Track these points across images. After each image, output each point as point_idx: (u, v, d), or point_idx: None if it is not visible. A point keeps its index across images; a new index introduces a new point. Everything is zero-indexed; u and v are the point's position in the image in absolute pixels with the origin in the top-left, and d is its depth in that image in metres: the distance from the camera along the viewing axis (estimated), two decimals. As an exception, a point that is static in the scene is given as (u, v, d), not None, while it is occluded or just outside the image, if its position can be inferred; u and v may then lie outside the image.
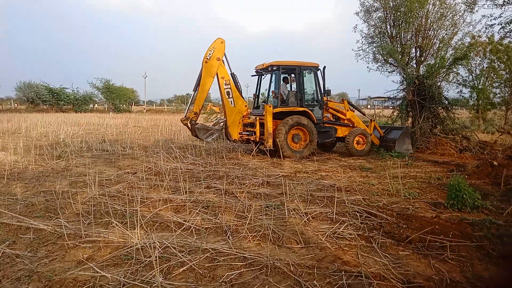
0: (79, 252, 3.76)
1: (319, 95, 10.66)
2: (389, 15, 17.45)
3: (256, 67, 11.13)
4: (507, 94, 19.88)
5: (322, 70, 10.54)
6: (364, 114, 14.06)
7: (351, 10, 18.73)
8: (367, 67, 17.62)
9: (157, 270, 3.20)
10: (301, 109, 10.21)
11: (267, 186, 6.68)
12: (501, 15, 10.62)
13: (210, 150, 11.06)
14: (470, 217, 4.70)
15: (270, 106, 9.85)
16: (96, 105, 58.13)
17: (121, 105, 52.97)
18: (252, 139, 10.40)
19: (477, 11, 15.29)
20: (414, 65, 17.80)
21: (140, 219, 4.47)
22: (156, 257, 3.50)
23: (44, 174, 7.63)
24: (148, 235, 4.20)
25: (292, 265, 3.45)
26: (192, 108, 9.91)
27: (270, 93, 10.73)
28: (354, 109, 11.86)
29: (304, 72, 10.45)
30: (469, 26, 17.00)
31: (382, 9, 17.64)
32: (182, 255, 3.62)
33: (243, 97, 10.35)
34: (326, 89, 10.63)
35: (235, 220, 4.73)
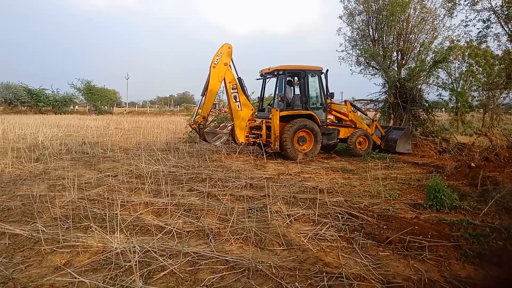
0: (57, 258, 3.67)
1: (323, 98, 10.89)
2: (371, 19, 17.73)
3: (261, 71, 11.36)
4: (484, 97, 20.41)
5: (325, 73, 10.79)
6: (366, 115, 14.42)
7: (337, 12, 18.97)
8: (350, 69, 17.89)
9: (137, 274, 3.16)
10: (307, 112, 10.42)
11: (250, 189, 6.67)
12: (476, 17, 10.96)
13: (193, 152, 10.99)
14: (448, 218, 4.81)
15: (277, 110, 10.03)
16: (77, 106, 57.09)
17: (102, 106, 52.14)
18: (258, 141, 10.61)
19: (456, 15, 15.68)
20: (396, 68, 18.11)
21: (120, 223, 4.40)
22: (136, 261, 3.45)
23: (21, 178, 7.43)
24: (128, 239, 4.13)
25: (274, 267, 3.45)
26: (200, 113, 10.09)
27: (276, 97, 10.89)
28: (356, 110, 12.17)
29: (308, 75, 10.66)
30: (448, 31, 17.42)
31: (365, 13, 17.90)
32: (163, 259, 3.58)
33: (249, 101, 10.60)
34: (329, 92, 10.88)
35: (217, 223, 4.71)
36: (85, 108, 56.09)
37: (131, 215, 4.95)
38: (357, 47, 18.25)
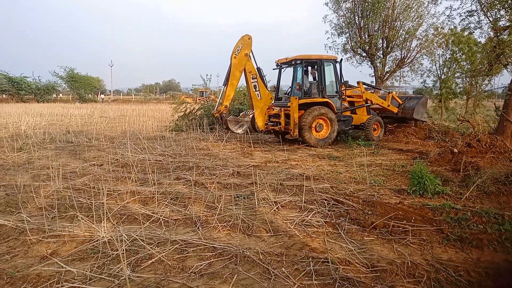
0: (43, 247, 3.65)
1: (338, 86, 11.14)
2: (357, 6, 17.72)
3: (277, 61, 11.58)
4: (467, 84, 20.71)
5: (339, 62, 11.11)
6: (380, 89, 15.24)
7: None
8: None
9: (124, 263, 3.16)
10: (323, 100, 10.64)
11: (237, 176, 6.70)
12: (460, 6, 11.10)
13: (179, 140, 10.93)
14: (431, 203, 4.92)
15: (296, 98, 10.22)
16: (60, 94, 55.97)
17: (86, 94, 51.21)
18: (277, 129, 10.97)
19: (440, 3, 15.76)
20: (381, 56, 18.20)
21: (106, 212, 4.38)
22: (123, 250, 3.45)
23: (4, 167, 7.30)
24: (115, 228, 4.12)
25: (261, 253, 3.50)
26: (222, 102, 10.48)
27: (294, 86, 11.08)
28: (369, 88, 12.68)
29: (324, 64, 10.89)
30: (433, 18, 17.55)
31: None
32: (151, 248, 3.59)
33: (268, 90, 11.00)
34: (343, 80, 11.26)
35: (205, 211, 4.72)
36: (69, 96, 55.01)
37: (118, 204, 4.93)
38: (343, 35, 18.27)
